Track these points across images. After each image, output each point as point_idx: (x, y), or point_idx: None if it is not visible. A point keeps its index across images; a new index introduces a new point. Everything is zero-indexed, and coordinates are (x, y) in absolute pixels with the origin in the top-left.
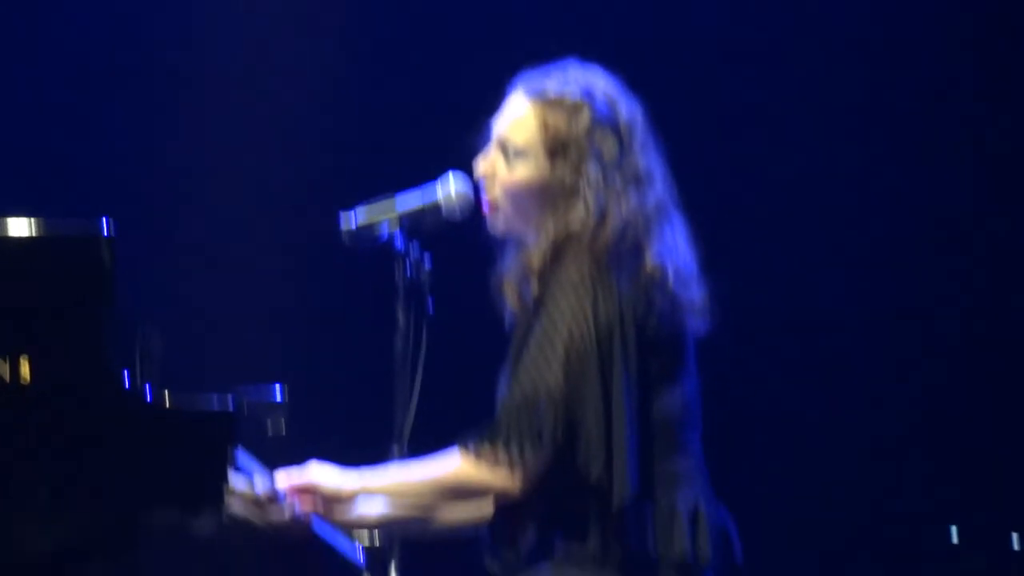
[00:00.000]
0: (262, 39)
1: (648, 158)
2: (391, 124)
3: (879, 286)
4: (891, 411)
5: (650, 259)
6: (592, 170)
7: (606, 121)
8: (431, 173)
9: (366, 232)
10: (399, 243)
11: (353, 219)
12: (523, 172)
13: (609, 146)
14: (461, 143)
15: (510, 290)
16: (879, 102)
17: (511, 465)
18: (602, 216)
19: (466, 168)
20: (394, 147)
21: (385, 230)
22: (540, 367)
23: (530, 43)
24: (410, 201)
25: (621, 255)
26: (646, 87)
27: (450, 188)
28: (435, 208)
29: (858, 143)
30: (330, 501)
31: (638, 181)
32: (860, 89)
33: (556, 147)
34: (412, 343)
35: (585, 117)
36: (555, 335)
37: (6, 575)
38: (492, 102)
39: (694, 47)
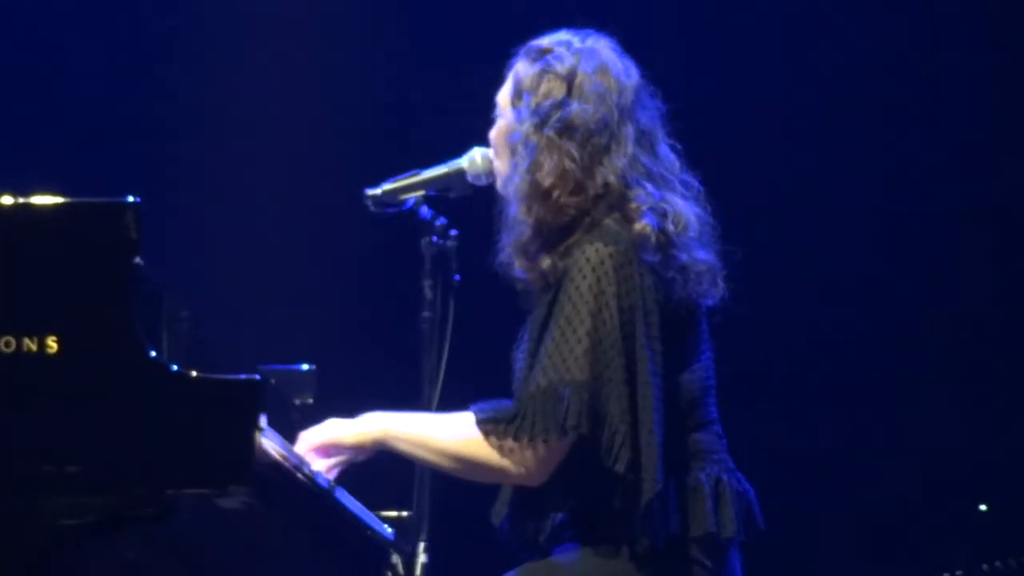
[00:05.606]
0: (291, 25)
1: (603, 113)
2: (420, 106)
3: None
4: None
5: (642, 218)
6: (526, 120)
7: (555, 72)
8: (458, 154)
9: (391, 198)
10: (424, 213)
11: (378, 188)
12: (499, 127)
13: (548, 96)
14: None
15: (522, 269)
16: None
17: (534, 454)
18: (536, 167)
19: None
20: (422, 129)
21: (410, 199)
22: (564, 355)
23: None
24: (436, 170)
25: (610, 211)
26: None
27: (475, 155)
28: (460, 173)
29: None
30: (355, 452)
31: (582, 130)
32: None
33: (515, 96)
34: (439, 314)
35: (538, 66)
36: (579, 323)
37: (38, 546)
38: None
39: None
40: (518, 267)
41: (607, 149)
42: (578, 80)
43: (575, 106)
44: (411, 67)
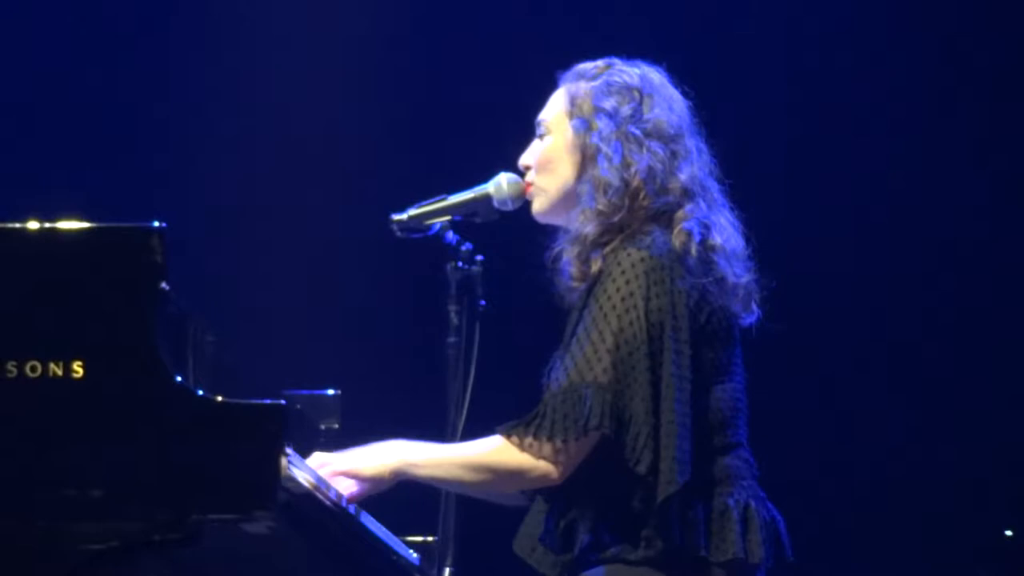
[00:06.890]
0: (319, 52)
1: (675, 122)
2: (448, 128)
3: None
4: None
5: (684, 224)
6: (604, 123)
7: (623, 84)
8: (484, 179)
9: (416, 223)
10: (450, 238)
11: (404, 213)
12: (550, 142)
13: (624, 104)
14: (515, 151)
15: (572, 264)
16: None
17: (553, 452)
18: (625, 165)
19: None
20: (450, 152)
21: (436, 224)
22: (588, 356)
23: (587, 47)
24: (462, 195)
25: (660, 220)
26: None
27: (501, 180)
28: (486, 199)
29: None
30: (374, 483)
31: (661, 135)
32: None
33: (574, 111)
34: (464, 339)
35: (602, 80)
36: (605, 325)
37: (62, 571)
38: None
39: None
40: (568, 256)
41: (678, 155)
42: (647, 92)
43: (654, 111)
44: (436, 92)
